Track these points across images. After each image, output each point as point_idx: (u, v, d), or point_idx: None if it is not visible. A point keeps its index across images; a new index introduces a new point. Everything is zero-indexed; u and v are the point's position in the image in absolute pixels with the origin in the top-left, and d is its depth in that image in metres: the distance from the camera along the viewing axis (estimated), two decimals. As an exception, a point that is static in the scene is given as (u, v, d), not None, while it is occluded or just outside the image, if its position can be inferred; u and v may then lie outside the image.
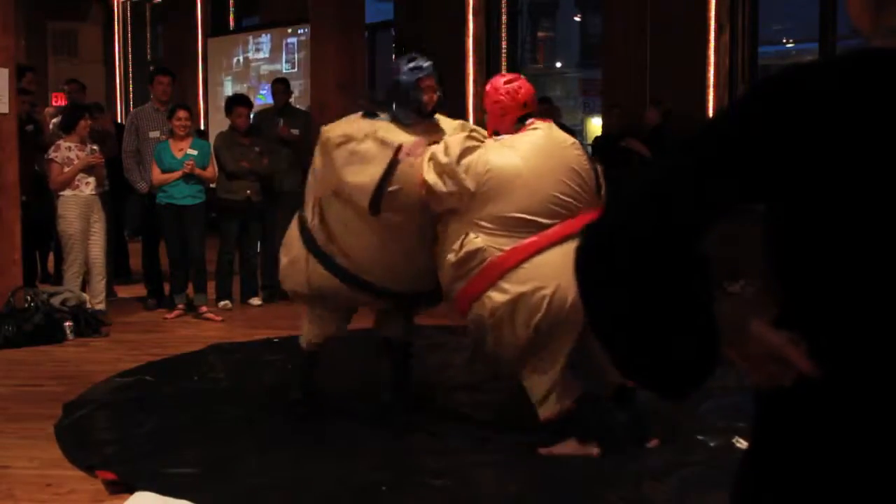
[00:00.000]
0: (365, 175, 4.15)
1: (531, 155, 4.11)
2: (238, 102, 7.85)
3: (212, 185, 7.48)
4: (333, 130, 4.36)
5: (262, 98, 11.35)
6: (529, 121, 4.27)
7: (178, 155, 7.19)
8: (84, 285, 7.22)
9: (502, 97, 4.25)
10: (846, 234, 1.18)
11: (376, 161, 4.15)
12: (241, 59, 12.24)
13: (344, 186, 4.24)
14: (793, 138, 1.18)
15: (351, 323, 4.92)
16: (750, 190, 1.23)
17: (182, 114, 7.26)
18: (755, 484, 1.31)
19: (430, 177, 4.11)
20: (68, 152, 6.92)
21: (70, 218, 6.89)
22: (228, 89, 11.77)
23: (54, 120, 8.42)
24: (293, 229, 4.67)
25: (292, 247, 4.64)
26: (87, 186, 6.97)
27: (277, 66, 11.50)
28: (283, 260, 4.74)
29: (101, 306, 7.04)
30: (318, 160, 4.43)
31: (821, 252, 1.21)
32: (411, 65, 4.27)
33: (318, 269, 4.49)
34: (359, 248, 4.36)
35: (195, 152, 7.22)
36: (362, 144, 4.18)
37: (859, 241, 1.18)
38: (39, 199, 7.69)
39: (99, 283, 7.05)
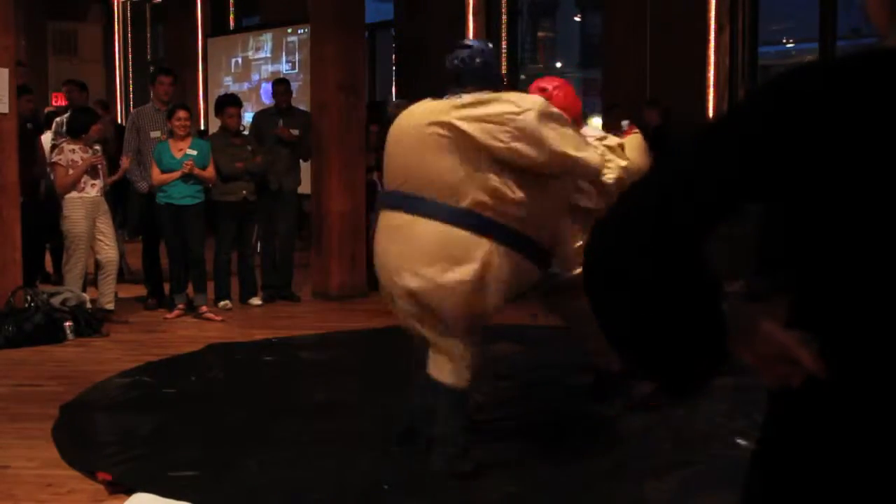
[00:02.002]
0: (591, 154, 4.11)
1: (643, 157, 4.66)
2: (229, 103, 7.80)
3: (210, 186, 7.47)
4: (533, 103, 3.88)
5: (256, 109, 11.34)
6: (627, 124, 4.86)
7: (178, 155, 7.18)
8: (85, 285, 7.23)
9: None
10: (855, 234, 1.17)
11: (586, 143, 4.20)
12: (240, 59, 12.24)
13: (573, 162, 3.93)
14: (801, 138, 1.17)
15: (354, 322, 4.77)
16: (756, 190, 1.23)
17: (181, 114, 7.25)
18: (765, 483, 1.30)
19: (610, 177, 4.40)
20: (72, 154, 6.92)
21: (75, 218, 6.89)
22: (229, 89, 11.76)
23: (56, 119, 8.41)
24: (452, 233, 3.78)
25: (465, 252, 3.76)
26: (94, 188, 6.97)
27: (278, 66, 11.50)
28: (453, 277, 3.76)
29: (111, 306, 7.06)
30: (501, 140, 3.79)
31: (828, 252, 1.20)
32: (491, 47, 4.31)
33: (514, 260, 3.84)
34: (543, 217, 4.00)
35: (194, 152, 7.20)
36: (569, 128, 4.08)
37: (869, 242, 1.17)
38: (36, 199, 7.70)
39: (110, 283, 7.06)
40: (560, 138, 3.88)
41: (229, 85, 12.04)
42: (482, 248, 3.77)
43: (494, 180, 3.80)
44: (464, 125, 3.79)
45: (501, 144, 3.78)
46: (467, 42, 4.21)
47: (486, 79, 4.04)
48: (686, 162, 1.26)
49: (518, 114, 3.80)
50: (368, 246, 7.98)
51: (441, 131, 3.80)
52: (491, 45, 4.31)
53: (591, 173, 4.19)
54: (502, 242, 3.82)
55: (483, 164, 3.81)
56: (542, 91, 4.45)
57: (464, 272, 3.76)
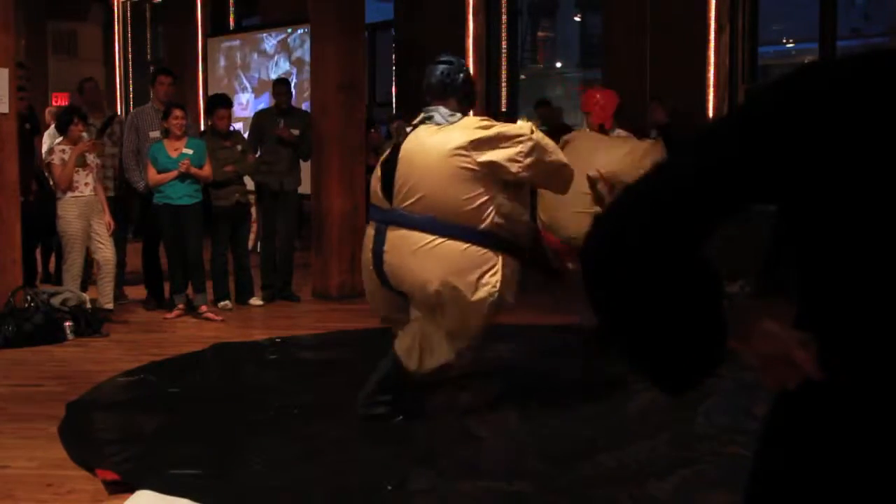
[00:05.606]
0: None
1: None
2: (219, 104, 7.75)
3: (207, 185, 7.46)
4: (525, 126, 4.60)
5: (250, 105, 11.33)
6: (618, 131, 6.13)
7: (174, 155, 7.16)
8: (85, 285, 7.23)
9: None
10: (857, 234, 1.17)
11: None
12: (240, 59, 12.23)
13: (565, 167, 4.66)
14: (803, 138, 1.16)
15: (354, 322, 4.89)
16: (757, 190, 1.22)
17: (178, 113, 7.24)
18: (766, 483, 1.30)
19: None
20: (63, 154, 6.93)
21: (69, 218, 6.89)
22: (229, 89, 11.74)
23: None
24: (475, 251, 4.39)
25: (487, 267, 4.45)
26: (87, 187, 6.97)
27: (278, 66, 11.49)
28: (479, 296, 4.38)
29: (110, 306, 7.06)
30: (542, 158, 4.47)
31: (830, 252, 1.20)
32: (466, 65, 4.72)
33: (515, 267, 4.65)
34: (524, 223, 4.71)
35: (190, 152, 7.19)
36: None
37: (870, 242, 1.16)
38: (39, 198, 7.70)
39: (108, 283, 7.06)
40: (555, 151, 4.52)
41: (227, 82, 12.04)
42: (499, 263, 4.36)
43: (507, 206, 4.38)
44: (487, 154, 4.28)
45: (518, 165, 4.32)
46: (447, 58, 4.69)
47: (467, 94, 4.56)
48: (687, 162, 1.26)
49: (524, 135, 4.36)
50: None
51: (464, 162, 4.26)
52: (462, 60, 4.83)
53: (570, 172, 4.70)
54: (509, 254, 4.43)
55: (498, 187, 4.34)
56: (594, 95, 6.09)
57: (488, 290, 4.33)
